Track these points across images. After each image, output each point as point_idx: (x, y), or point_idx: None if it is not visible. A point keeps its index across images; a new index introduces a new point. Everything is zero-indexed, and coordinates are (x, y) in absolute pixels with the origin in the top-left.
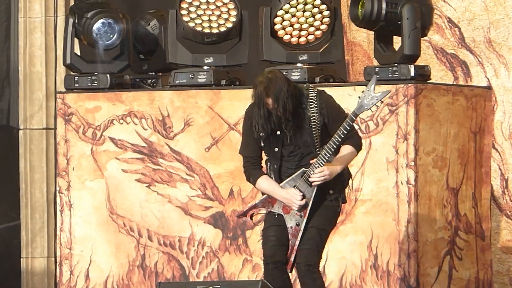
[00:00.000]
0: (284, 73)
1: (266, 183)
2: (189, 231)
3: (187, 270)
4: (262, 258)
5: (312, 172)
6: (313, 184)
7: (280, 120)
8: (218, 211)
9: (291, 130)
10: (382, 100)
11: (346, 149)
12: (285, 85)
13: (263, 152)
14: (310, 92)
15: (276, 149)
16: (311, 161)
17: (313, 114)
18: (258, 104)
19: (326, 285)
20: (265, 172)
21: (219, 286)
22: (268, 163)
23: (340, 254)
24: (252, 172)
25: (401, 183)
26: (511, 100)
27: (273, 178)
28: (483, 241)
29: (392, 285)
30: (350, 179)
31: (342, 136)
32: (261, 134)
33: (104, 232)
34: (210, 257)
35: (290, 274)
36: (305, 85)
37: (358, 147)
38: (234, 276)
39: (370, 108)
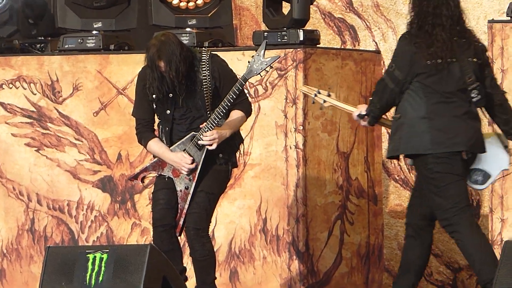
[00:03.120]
0: None
1: (156, 145)
2: (77, 195)
3: (76, 234)
4: (151, 221)
5: (201, 136)
6: (202, 145)
7: (173, 83)
8: (106, 175)
9: (183, 93)
10: (271, 65)
11: (236, 114)
12: (178, 48)
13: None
14: (203, 56)
15: (168, 112)
16: (201, 126)
17: (205, 77)
18: (151, 67)
19: (215, 250)
20: (158, 135)
21: (108, 250)
22: (160, 126)
23: (229, 218)
24: (143, 134)
25: (290, 147)
26: None
27: (165, 141)
28: (376, 206)
29: (281, 250)
30: (242, 143)
31: (232, 100)
32: (153, 96)
33: None
34: (99, 221)
35: (179, 237)
36: (198, 49)
37: (248, 112)
38: (123, 240)
39: (259, 73)
